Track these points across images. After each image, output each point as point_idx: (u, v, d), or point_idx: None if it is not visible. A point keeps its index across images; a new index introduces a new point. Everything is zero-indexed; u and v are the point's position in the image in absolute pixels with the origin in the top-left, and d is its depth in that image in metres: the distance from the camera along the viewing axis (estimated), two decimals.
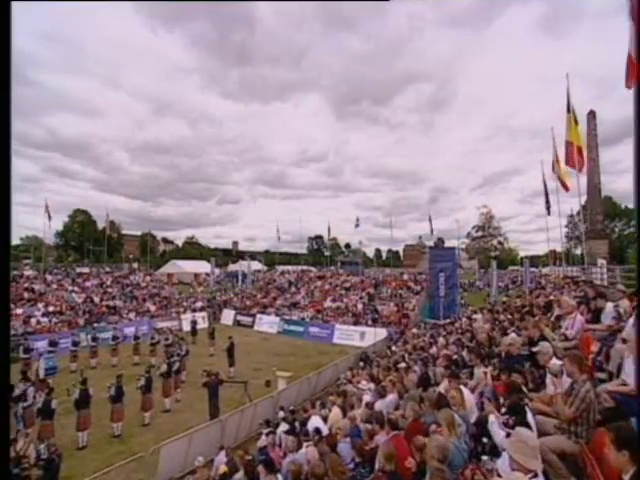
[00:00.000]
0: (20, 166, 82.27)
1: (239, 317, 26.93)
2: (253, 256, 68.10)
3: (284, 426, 8.06)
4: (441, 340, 10.80)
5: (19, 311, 20.23)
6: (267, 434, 8.20)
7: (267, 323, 25.74)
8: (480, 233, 58.53)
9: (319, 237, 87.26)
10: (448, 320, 19.86)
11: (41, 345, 16.33)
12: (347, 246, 32.77)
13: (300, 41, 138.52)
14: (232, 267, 62.52)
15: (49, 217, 26.04)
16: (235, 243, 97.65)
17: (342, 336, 22.96)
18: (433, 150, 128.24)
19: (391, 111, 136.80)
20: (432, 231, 29.29)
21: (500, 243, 60.46)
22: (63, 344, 17.04)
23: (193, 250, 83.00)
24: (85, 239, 59.15)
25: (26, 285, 22.53)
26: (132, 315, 23.75)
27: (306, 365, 17.98)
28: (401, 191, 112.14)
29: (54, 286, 23.66)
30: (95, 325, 20.53)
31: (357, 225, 30.13)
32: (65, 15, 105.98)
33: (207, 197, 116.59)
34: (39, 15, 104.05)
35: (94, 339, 16.83)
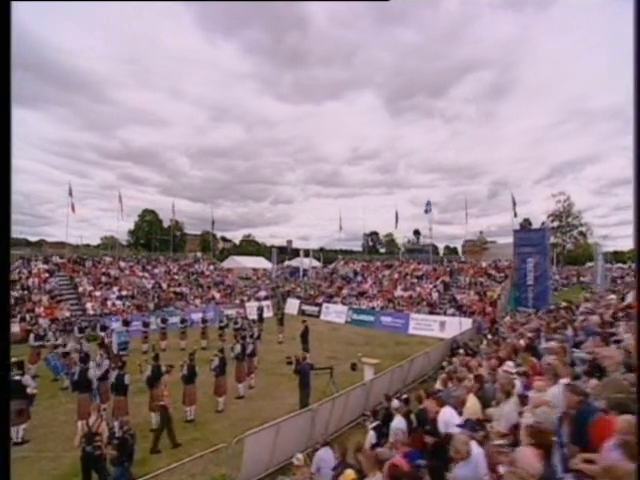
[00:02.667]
0: (99, 175, 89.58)
1: (304, 306, 25.56)
2: (308, 253, 67.28)
3: (400, 420, 6.07)
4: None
5: (97, 293, 20.54)
6: (375, 428, 6.33)
7: (334, 312, 24.05)
8: (557, 223, 51.42)
9: (374, 233, 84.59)
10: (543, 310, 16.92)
11: (115, 325, 16.10)
12: (416, 232, 30.32)
13: (351, 39, 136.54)
14: (288, 263, 62.48)
15: (121, 209, 26.67)
16: (289, 242, 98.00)
17: (418, 326, 20.61)
18: (492, 141, 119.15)
19: (446, 103, 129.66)
20: (515, 214, 25.68)
21: (582, 234, 52.98)
22: (134, 326, 16.66)
23: (250, 247, 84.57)
24: (153, 237, 62.09)
25: (103, 270, 23.01)
26: (198, 302, 23.36)
27: (385, 355, 15.98)
28: (458, 186, 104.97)
29: (127, 272, 23.99)
30: (164, 309, 20.23)
31: (427, 210, 27.39)
32: (134, 38, 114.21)
33: (262, 198, 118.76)
34: (116, 42, 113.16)
35: (163, 321, 16.22)
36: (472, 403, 5.69)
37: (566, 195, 51.94)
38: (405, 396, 6.60)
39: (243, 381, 11.03)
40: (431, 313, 21.56)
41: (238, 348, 10.99)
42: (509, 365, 5.97)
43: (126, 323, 15.50)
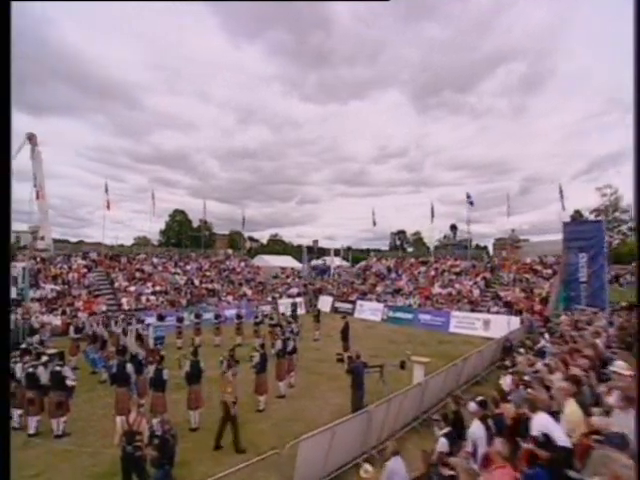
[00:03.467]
0: (133, 179, 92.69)
1: (337, 304, 24.82)
2: (338, 252, 66.73)
3: (478, 427, 5.20)
4: None
5: (132, 289, 20.61)
6: (446, 435, 5.48)
7: (369, 310, 23.17)
8: (602, 218, 47.88)
9: (402, 232, 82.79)
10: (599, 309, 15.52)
11: (150, 320, 15.94)
12: (453, 227, 28.79)
13: (376, 37, 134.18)
14: (315, 262, 62.13)
15: (153, 210, 26.89)
16: (315, 241, 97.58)
17: (460, 324, 19.42)
18: (524, 136, 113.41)
19: (475, 98, 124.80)
20: (564, 207, 23.81)
21: (632, 230, 48.93)
22: (169, 321, 16.43)
23: (277, 247, 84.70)
24: (183, 236, 63.26)
25: (137, 266, 23.17)
26: (230, 298, 23.06)
27: (428, 354, 14.95)
28: (487, 183, 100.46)
29: (159, 268, 24.06)
30: (197, 305, 20.07)
31: (471, 203, 26.00)
32: (163, 45, 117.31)
33: (288, 198, 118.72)
34: (146, 50, 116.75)
35: (197, 317, 15.90)
36: (572, 409, 4.74)
37: (613, 188, 48.30)
38: (481, 398, 5.69)
39: (284, 379, 10.40)
40: (472, 311, 20.29)
41: (279, 345, 10.38)
42: (620, 366, 4.94)
43: (161, 318, 15.27)
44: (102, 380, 11.21)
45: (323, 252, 75.59)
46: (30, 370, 7.92)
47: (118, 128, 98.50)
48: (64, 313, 16.88)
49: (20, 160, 23.94)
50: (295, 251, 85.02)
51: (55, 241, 25.45)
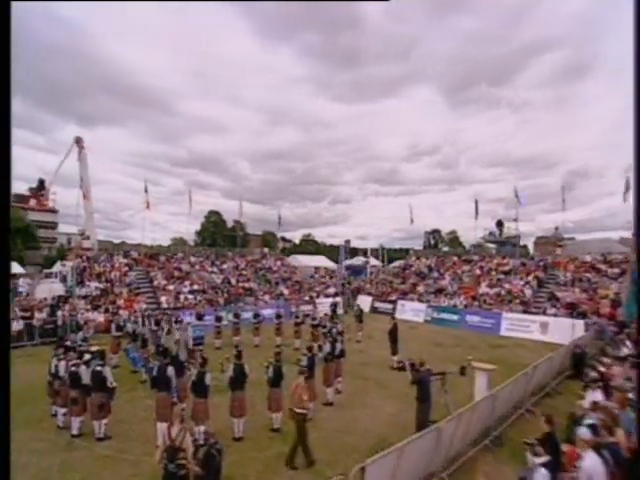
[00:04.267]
0: (170, 182, 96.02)
1: (377, 304, 23.80)
2: (377, 252, 65.69)
3: (593, 459, 4.18)
4: None
5: (170, 287, 20.65)
6: (546, 466, 4.47)
7: (411, 310, 21.99)
8: None
9: (436, 231, 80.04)
10: None
11: (188, 318, 15.73)
12: (499, 224, 26.90)
13: (406, 33, 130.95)
14: (349, 262, 61.29)
15: (190, 210, 27.06)
16: (347, 241, 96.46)
17: (513, 327, 17.88)
18: (568, 127, 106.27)
19: (513, 90, 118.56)
20: (625, 199, 21.52)
21: None
22: (207, 320, 16.14)
23: (310, 247, 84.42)
24: (218, 237, 64.32)
25: (175, 265, 23.30)
26: (267, 297, 22.63)
27: (482, 359, 13.66)
28: (527, 179, 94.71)
29: (197, 267, 24.08)
30: (236, 305, 19.79)
31: (519, 197, 24.20)
32: (197, 51, 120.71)
33: (320, 198, 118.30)
34: (181, 57, 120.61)
35: (236, 316, 15.45)
36: None
37: None
38: (590, 421, 4.62)
39: (332, 385, 9.62)
40: (526, 312, 18.66)
41: (327, 347, 9.59)
42: None
43: (199, 317, 14.97)
44: (142, 380, 10.95)
45: (355, 252, 74.61)
46: (73, 369, 7.61)
47: (156, 134, 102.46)
48: (107, 311, 17.04)
49: (66, 167, 24.88)
50: (328, 251, 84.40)
51: (100, 242, 26.23)
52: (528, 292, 19.99)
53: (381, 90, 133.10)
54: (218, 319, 14.96)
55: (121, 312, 17.10)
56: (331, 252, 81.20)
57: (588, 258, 21.76)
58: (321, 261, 59.27)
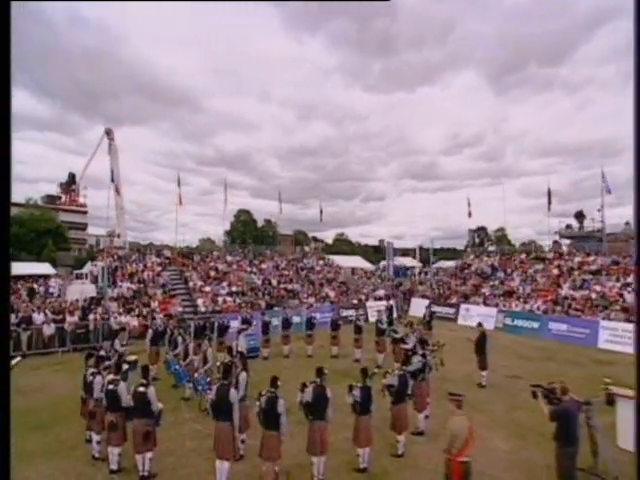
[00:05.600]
0: (196, 182, 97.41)
1: (435, 308, 21.69)
2: (406, 252, 63.36)
3: None
4: None
5: (207, 289, 19.61)
6: None
7: (478, 316, 19.74)
8: None
9: (482, 229, 76.22)
10: None
11: (234, 324, 14.46)
12: (579, 215, 24.08)
13: (444, 15, 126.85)
14: (384, 263, 59.42)
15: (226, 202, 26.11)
16: (381, 241, 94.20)
17: (615, 339, 15.38)
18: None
19: (569, 69, 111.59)
20: None
21: None
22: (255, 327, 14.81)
23: (344, 247, 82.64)
24: (247, 236, 63.86)
25: (211, 264, 22.30)
26: (312, 300, 21.14)
27: (587, 377, 11.64)
28: (586, 169, 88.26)
29: (234, 267, 22.99)
30: (282, 308, 18.39)
31: (608, 190, 21.60)
32: (225, 47, 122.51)
33: (352, 196, 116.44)
34: (208, 53, 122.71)
35: (286, 322, 13.97)
36: None
37: None
38: None
39: (424, 410, 7.86)
40: (627, 321, 16.07)
41: (417, 363, 7.82)
42: None
43: (246, 322, 13.63)
44: (186, 397, 9.66)
45: (393, 252, 72.20)
46: (110, 387, 6.31)
47: (183, 133, 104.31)
48: (140, 314, 16.12)
49: (94, 168, 24.62)
50: (362, 251, 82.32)
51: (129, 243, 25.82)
52: (629, 296, 17.33)
53: (417, 78, 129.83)
54: (266, 325, 13.53)
55: (156, 316, 16.17)
56: (366, 252, 79.28)
57: None
58: (357, 262, 57.42)
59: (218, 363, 8.86)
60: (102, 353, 8.53)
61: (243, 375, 7.02)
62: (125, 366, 8.84)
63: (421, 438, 7.80)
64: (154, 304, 17.06)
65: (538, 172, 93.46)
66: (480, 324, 11.65)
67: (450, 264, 39.88)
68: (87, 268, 21.89)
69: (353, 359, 13.42)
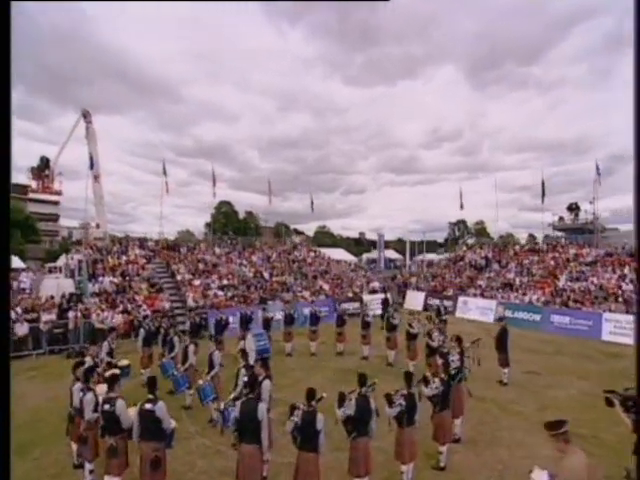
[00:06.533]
0: (175, 173, 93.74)
1: (431, 300, 21.14)
2: (387, 245, 63.29)
3: None
4: None
5: (196, 282, 18.22)
6: None
7: (477, 308, 19.35)
8: None
9: (462, 222, 77.14)
10: None
11: (233, 320, 13.30)
12: (572, 208, 23.81)
13: (427, 9, 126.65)
14: (367, 256, 59.36)
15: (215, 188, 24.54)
16: (362, 234, 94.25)
17: (620, 331, 15.14)
18: (606, 107, 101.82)
19: (544, 67, 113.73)
20: None
21: None
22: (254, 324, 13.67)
23: (326, 239, 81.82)
24: (229, 228, 62.05)
25: (199, 256, 20.85)
26: (307, 294, 20.12)
27: (603, 374, 11.26)
28: (558, 165, 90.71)
29: (223, 259, 21.61)
30: (284, 302, 17.37)
31: (599, 174, 21.41)
32: (204, 35, 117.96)
33: (333, 188, 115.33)
34: (186, 40, 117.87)
35: (289, 317, 12.93)
36: None
37: None
38: None
39: (460, 415, 7.03)
40: (628, 313, 15.93)
41: (456, 360, 6.96)
42: None
43: (247, 319, 12.47)
44: (186, 406, 8.51)
45: (373, 244, 72.17)
46: (106, 407, 5.10)
47: (160, 122, 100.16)
48: (125, 311, 14.66)
49: (67, 156, 22.67)
50: (344, 243, 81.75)
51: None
52: (627, 287, 17.21)
53: (399, 71, 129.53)
54: (267, 321, 12.43)
55: (143, 313, 14.76)
56: (348, 244, 78.78)
57: None
58: (340, 254, 56.90)
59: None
60: (87, 360, 7.18)
61: (267, 383, 5.96)
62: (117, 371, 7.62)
63: (459, 446, 6.98)
64: (140, 299, 15.60)
65: (514, 167, 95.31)
66: (501, 319, 11.02)
67: (431, 256, 39.81)
68: (61, 261, 20.02)
69: (361, 356, 12.53)
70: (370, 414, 5.24)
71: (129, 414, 5.23)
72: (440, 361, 7.08)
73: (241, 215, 68.97)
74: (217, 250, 22.42)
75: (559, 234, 26.99)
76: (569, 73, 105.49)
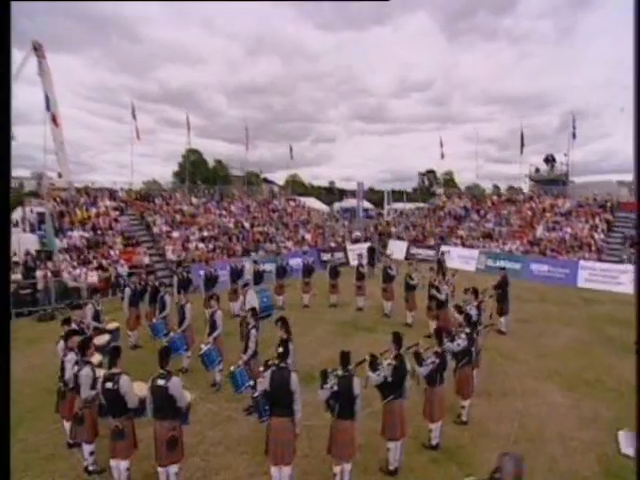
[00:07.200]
0: (138, 120, 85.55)
1: (414, 250, 21.05)
2: (355, 193, 62.76)
3: None
4: None
5: (175, 235, 16.88)
6: None
7: (459, 257, 19.42)
8: None
9: (431, 172, 77.39)
10: None
11: (223, 274, 12.42)
12: (548, 160, 23.62)
13: None
14: (340, 205, 58.68)
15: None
16: (332, 183, 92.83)
17: (595, 278, 15.69)
18: (570, 64, 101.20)
19: (514, 20, 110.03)
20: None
21: None
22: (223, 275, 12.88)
23: (298, 188, 79.79)
24: (198, 178, 58.96)
25: (176, 207, 19.25)
26: (290, 244, 19.38)
27: (587, 319, 11.74)
28: (522, 118, 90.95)
29: (201, 209, 20.14)
30: (275, 253, 16.55)
31: (574, 128, 21.18)
32: None
33: (302, 137, 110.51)
34: None
35: (282, 269, 12.22)
36: None
37: None
38: None
39: (476, 368, 6.74)
40: (599, 261, 16.50)
41: (474, 314, 6.58)
42: None
43: (237, 273, 11.58)
44: (184, 369, 7.78)
45: (345, 194, 71.42)
46: (108, 385, 4.27)
47: (120, 64, 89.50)
48: (100, 267, 13.35)
49: (19, 100, 19.41)
50: (316, 192, 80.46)
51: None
52: (598, 237, 17.69)
53: (370, 17, 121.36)
54: (259, 274, 11.63)
55: (120, 269, 13.54)
56: (319, 194, 77.55)
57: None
58: (312, 203, 55.96)
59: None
60: (73, 326, 6.19)
61: (290, 347, 5.33)
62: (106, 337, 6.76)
63: (474, 398, 6.69)
64: (115, 254, 14.24)
65: (482, 119, 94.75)
66: (503, 268, 10.85)
67: (400, 205, 39.73)
68: (17, 214, 17.86)
69: (356, 307, 12.20)
70: (405, 375, 4.80)
71: (135, 391, 4.46)
72: (460, 316, 6.65)
73: (210, 164, 65.55)
74: (194, 200, 20.81)
75: (524, 186, 27.28)
76: (537, 27, 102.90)
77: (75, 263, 13.11)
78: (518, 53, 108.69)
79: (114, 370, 4.40)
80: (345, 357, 4.48)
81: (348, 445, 4.44)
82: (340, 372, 4.41)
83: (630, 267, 15.06)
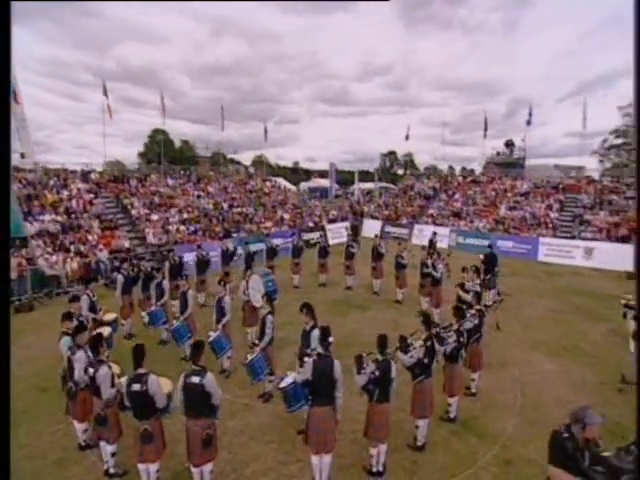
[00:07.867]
0: (97, 99, 78.12)
1: (389, 228, 21.14)
2: (323, 174, 62.27)
3: None
4: None
5: (155, 217, 15.69)
6: None
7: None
8: (622, 140, 33.57)
9: (392, 153, 78.09)
10: None
11: (214, 255, 11.72)
12: (508, 144, 24.53)
13: None
14: (306, 185, 57.89)
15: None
16: (296, 163, 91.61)
17: (553, 252, 16.53)
18: (516, 55, 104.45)
19: (468, 11, 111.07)
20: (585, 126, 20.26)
21: None
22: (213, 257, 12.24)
23: (263, 169, 77.71)
24: (164, 158, 55.67)
25: (152, 189, 17.85)
26: (269, 224, 18.74)
27: (552, 290, 12.38)
28: (474, 105, 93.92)
29: (178, 191, 18.86)
30: (265, 235, 15.92)
31: (530, 116, 21.81)
32: None
33: (267, 118, 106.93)
34: None
35: (272, 250, 11.74)
36: None
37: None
38: None
39: (479, 368, 6.66)
40: (555, 237, 17.41)
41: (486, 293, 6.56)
42: None
43: (229, 255, 10.97)
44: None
45: (310, 174, 70.63)
46: (136, 388, 3.75)
47: (75, 39, 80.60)
48: (79, 253, 12.14)
49: None
50: (282, 172, 78.93)
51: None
52: (553, 215, 18.60)
53: (334, 3, 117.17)
54: (250, 256, 11.06)
55: (100, 254, 12.40)
56: (285, 174, 76.17)
57: (607, 181, 20.68)
58: (281, 183, 54.86)
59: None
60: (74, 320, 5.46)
61: (270, 319, 5.76)
62: (107, 329, 6.10)
63: (484, 370, 6.81)
64: (93, 239, 12.99)
65: (437, 104, 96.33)
66: (490, 246, 11.10)
67: (368, 185, 39.97)
68: None
69: (345, 286, 12.03)
70: (434, 355, 4.69)
71: (163, 390, 3.98)
72: (467, 294, 6.65)
73: (176, 144, 62.11)
74: (170, 182, 19.42)
75: (478, 167, 28.23)
76: (487, 19, 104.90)
77: (50, 249, 11.82)
78: (471, 43, 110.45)
79: (140, 371, 3.87)
80: (383, 341, 4.25)
81: (384, 427, 4.31)
82: (379, 357, 4.20)
83: (581, 242, 16.13)
